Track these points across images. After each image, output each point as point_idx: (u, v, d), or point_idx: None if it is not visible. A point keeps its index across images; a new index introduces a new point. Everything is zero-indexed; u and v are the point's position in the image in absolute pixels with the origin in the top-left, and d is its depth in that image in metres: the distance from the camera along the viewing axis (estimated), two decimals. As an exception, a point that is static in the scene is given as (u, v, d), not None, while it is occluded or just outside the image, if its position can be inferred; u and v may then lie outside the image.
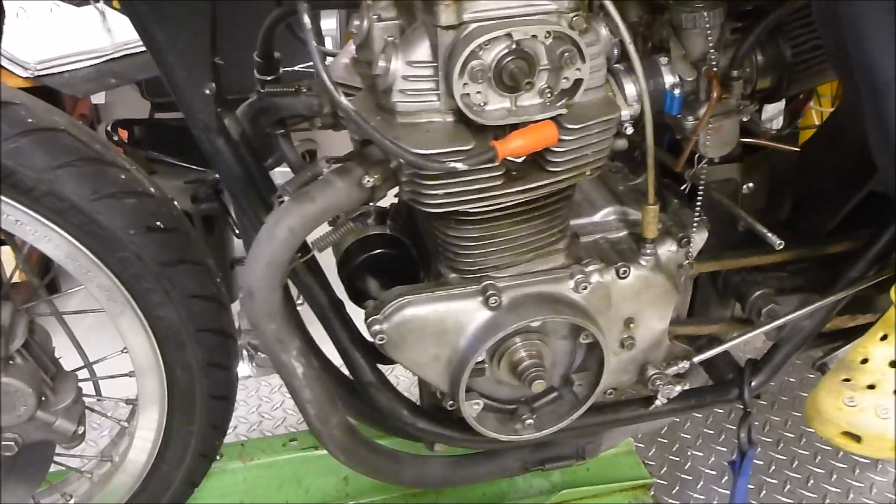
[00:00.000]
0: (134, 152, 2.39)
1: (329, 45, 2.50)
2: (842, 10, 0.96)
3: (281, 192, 1.04)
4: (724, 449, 1.87)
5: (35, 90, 2.09)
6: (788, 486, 1.78)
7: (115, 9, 2.58)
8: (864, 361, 1.19)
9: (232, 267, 2.46)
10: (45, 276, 1.87)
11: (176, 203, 1.30)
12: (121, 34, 2.33)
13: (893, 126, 0.97)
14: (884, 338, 1.19)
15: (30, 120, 1.13)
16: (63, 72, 2.23)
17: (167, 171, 2.35)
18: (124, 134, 2.49)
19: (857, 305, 1.37)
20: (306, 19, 0.93)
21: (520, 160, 1.02)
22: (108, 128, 2.50)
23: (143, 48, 1.10)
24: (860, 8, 0.94)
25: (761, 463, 1.82)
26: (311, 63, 0.95)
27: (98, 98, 2.92)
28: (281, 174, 1.83)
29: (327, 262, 1.23)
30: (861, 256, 1.29)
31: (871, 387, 1.17)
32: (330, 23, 2.56)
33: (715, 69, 1.14)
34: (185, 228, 1.27)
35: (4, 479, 1.29)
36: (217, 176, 2.32)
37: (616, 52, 1.08)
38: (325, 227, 1.12)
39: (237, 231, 2.41)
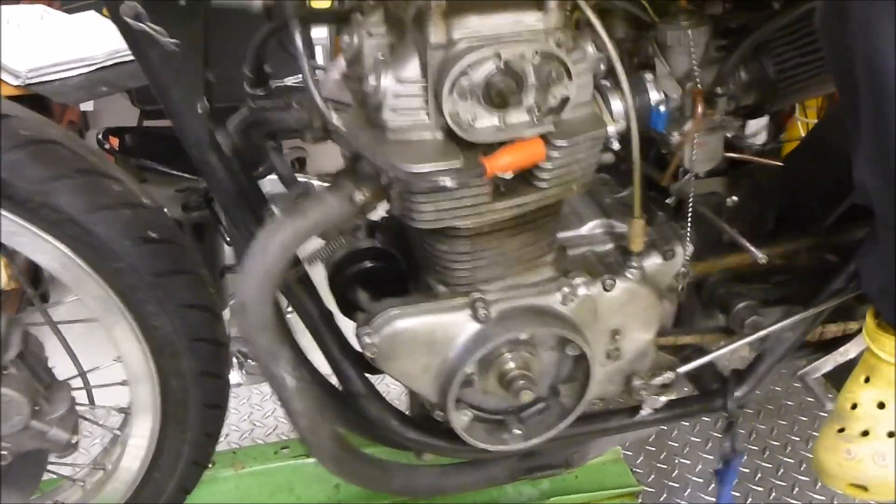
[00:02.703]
0: (125, 160, 2.40)
1: (320, 54, 2.51)
2: (852, 11, 0.95)
3: (273, 206, 1.05)
4: (711, 457, 1.89)
5: (25, 98, 2.10)
6: (774, 494, 1.80)
7: (105, 16, 2.58)
8: (854, 407, 1.23)
9: (222, 275, 2.47)
10: (36, 285, 1.87)
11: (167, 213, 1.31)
12: (112, 42, 2.33)
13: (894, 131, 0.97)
14: (867, 380, 1.23)
15: (25, 132, 1.14)
16: (54, 80, 2.23)
17: (158, 180, 2.36)
18: (115, 142, 2.50)
19: (840, 315, 1.39)
20: (298, 39, 0.95)
21: (508, 176, 1.04)
22: (99, 136, 2.50)
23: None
24: (873, 8, 0.93)
25: (747, 471, 1.84)
26: (301, 77, 0.97)
27: (87, 105, 2.93)
28: (271, 182, 1.84)
29: (317, 274, 1.25)
30: (842, 268, 1.31)
31: (866, 433, 1.21)
32: (321, 32, 2.57)
33: (699, 86, 1.16)
34: (178, 239, 1.28)
35: (-1, 487, 1.31)
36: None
37: (602, 67, 1.10)
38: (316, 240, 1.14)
39: (227, 239, 2.42)
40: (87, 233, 1.17)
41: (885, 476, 1.19)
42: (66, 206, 1.15)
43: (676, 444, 1.93)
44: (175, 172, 2.36)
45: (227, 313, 1.96)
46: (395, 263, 1.27)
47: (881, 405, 1.21)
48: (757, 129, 1.42)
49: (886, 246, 1.10)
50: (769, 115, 1.39)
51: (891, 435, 1.20)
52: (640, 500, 1.72)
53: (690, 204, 1.21)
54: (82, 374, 1.39)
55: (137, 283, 1.22)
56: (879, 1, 0.93)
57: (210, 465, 1.68)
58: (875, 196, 1.07)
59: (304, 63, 0.95)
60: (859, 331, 1.32)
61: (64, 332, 1.38)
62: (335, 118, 0.96)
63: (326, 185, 1.05)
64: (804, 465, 1.86)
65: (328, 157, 1.21)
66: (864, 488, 1.23)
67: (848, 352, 1.36)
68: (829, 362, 1.38)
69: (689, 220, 1.21)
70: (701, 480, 1.84)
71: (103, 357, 1.33)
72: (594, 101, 1.09)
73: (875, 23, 0.93)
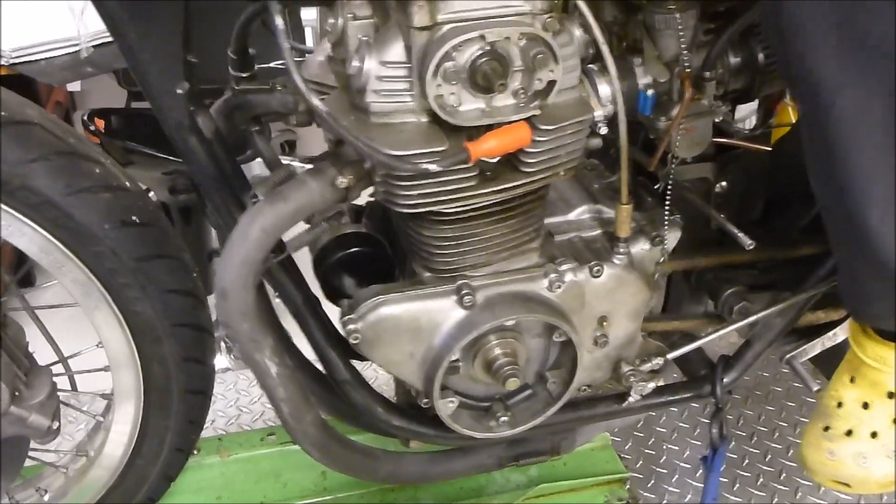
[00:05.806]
0: (111, 142, 2.37)
1: (309, 35, 2.48)
2: (784, 12, 0.89)
3: (254, 191, 1.04)
4: (699, 443, 1.89)
5: (9, 78, 2.08)
6: (761, 480, 1.80)
7: (91, -3, 2.55)
8: (840, 405, 1.24)
9: (210, 258, 2.45)
10: (18, 269, 1.85)
11: (152, 196, 1.29)
12: (97, 22, 2.30)
13: (833, 149, 0.92)
14: (852, 380, 1.24)
15: (2, 113, 1.12)
16: (39, 60, 2.21)
17: (145, 162, 2.33)
18: (101, 123, 2.47)
19: (829, 301, 1.38)
20: (279, 19, 0.93)
21: (493, 161, 1.03)
22: (85, 117, 2.47)
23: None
24: (804, 9, 0.88)
25: (735, 456, 1.84)
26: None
27: (74, 86, 2.90)
28: (259, 166, 1.82)
29: (303, 259, 1.23)
30: (830, 255, 1.30)
31: (849, 433, 1.22)
32: (310, 13, 2.55)
33: (688, 70, 1.15)
34: (161, 223, 1.26)
35: (-22, 474, 1.29)
36: (195, 167, 2.31)
37: (590, 51, 1.08)
38: (301, 225, 1.12)
39: (215, 222, 2.39)
40: (67, 216, 1.15)
41: (866, 476, 1.22)
42: (44, 188, 1.13)
43: (664, 430, 1.93)
44: (162, 155, 2.33)
45: (213, 298, 1.95)
46: (380, 248, 1.26)
47: (865, 405, 1.23)
48: (746, 114, 1.41)
49: (838, 257, 1.08)
50: (758, 99, 1.38)
51: (874, 435, 1.22)
52: (627, 487, 1.72)
53: (670, 189, 1.20)
54: (62, 359, 1.38)
55: (118, 268, 1.20)
56: (809, 1, 0.88)
57: (195, 452, 1.66)
58: (820, 203, 1.03)
59: (285, 44, 0.93)
60: (848, 315, 1.32)
61: (48, 316, 1.37)
62: (316, 101, 0.94)
63: (309, 168, 1.03)
64: (791, 451, 1.86)
65: (319, 139, 1.19)
66: (847, 485, 1.25)
67: (836, 336, 1.36)
68: (817, 346, 1.38)
69: (667, 204, 1.19)
70: (689, 466, 1.83)
71: (89, 342, 1.31)
72: (581, 85, 1.08)
73: (805, 24, 0.88)
